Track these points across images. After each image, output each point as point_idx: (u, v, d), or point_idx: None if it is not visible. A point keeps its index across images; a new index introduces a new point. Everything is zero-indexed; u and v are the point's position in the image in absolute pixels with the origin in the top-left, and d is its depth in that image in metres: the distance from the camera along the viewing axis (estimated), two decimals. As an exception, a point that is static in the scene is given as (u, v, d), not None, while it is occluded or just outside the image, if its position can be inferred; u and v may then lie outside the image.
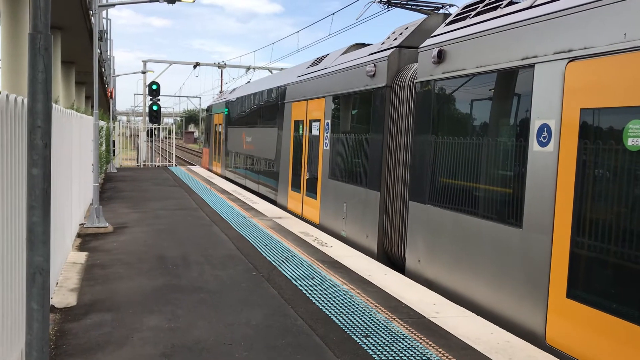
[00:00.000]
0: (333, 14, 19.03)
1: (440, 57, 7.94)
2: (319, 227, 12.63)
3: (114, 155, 27.72)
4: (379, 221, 9.95)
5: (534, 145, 6.04)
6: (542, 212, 5.88)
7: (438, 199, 7.93)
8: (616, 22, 5.12)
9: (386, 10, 12.36)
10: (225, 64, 40.27)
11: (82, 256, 8.97)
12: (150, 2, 13.56)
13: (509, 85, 6.60)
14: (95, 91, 12.16)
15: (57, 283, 7.27)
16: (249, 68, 39.41)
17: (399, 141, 9.47)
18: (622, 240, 4.93)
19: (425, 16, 10.45)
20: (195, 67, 39.84)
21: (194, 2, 14.24)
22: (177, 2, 13.77)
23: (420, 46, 8.66)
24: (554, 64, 5.82)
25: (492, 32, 6.93)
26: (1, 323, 3.86)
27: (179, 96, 75.67)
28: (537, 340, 5.90)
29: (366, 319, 6.31)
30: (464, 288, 7.26)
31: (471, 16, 7.77)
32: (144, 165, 31.91)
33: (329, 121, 12.19)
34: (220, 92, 34.12)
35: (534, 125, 6.04)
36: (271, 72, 37.49)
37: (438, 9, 11.60)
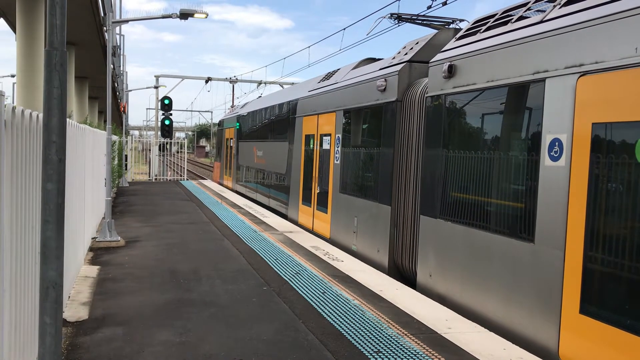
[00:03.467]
0: (344, 29, 19.12)
1: (451, 71, 7.97)
2: (330, 241, 12.63)
3: (126, 169, 27.90)
4: (390, 235, 9.93)
5: (545, 160, 6.03)
6: (554, 227, 5.85)
7: (449, 213, 7.93)
8: (627, 36, 5.13)
9: (396, 25, 12.46)
10: (236, 78, 40.52)
11: (94, 270, 9.00)
12: (163, 18, 13.72)
13: (520, 99, 6.60)
14: (108, 106, 12.28)
15: (69, 297, 7.30)
16: (260, 83, 39.63)
17: (409, 155, 9.50)
18: (636, 255, 4.90)
19: (435, 31, 10.48)
20: (207, 82, 40.13)
21: (206, 17, 14.37)
22: (189, 18, 13.91)
23: (431, 61, 8.70)
24: (565, 78, 5.82)
25: (503, 46, 6.94)
26: (14, 336, 3.88)
27: (191, 111, 76.05)
28: (549, 356, 5.85)
29: (377, 335, 6.27)
30: (476, 303, 7.23)
31: (482, 31, 7.82)
32: (156, 179, 32.08)
33: (340, 135, 12.23)
34: (232, 107, 34.33)
35: (546, 140, 6.04)
36: (282, 86, 37.68)
37: (449, 24, 11.66)
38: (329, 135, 12.87)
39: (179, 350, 5.66)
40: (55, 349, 3.47)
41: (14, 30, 18.14)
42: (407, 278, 9.62)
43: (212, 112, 75.97)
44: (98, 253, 10.40)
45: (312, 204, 13.96)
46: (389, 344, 5.98)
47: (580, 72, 5.62)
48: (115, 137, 20.85)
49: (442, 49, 8.66)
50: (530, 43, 6.43)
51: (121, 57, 33.24)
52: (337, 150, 12.32)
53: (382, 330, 6.43)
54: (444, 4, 12.97)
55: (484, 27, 7.83)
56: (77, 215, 7.95)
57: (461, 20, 11.50)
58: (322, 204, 13.21)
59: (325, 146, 13.09)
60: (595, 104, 5.42)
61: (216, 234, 12.79)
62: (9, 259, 3.70)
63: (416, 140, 9.26)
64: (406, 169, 9.58)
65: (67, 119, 4.17)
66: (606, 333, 5.13)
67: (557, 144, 5.89)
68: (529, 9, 7.11)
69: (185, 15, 13.59)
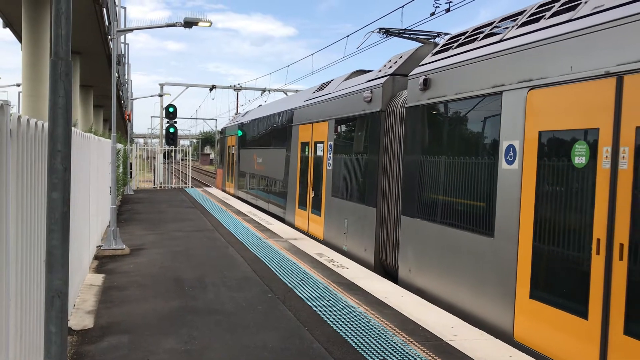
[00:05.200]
0: (347, 36, 19.16)
1: (426, 84, 8.72)
2: (323, 242, 13.28)
3: (131, 177, 27.96)
4: (376, 235, 10.71)
5: (502, 164, 6.83)
6: (509, 223, 6.65)
7: (425, 213, 8.70)
8: (565, 55, 5.95)
9: (385, 39, 13.04)
10: (241, 86, 40.63)
11: (99, 278, 9.01)
12: (167, 26, 13.78)
13: (482, 110, 7.38)
14: (113, 114, 12.34)
15: (74, 305, 7.30)
16: (264, 90, 39.71)
17: (392, 161, 10.28)
18: (573, 246, 5.67)
19: (420, 45, 11.07)
20: (211, 89, 40.24)
21: (210, 25, 14.43)
22: (193, 27, 13.97)
23: (410, 74, 9.40)
24: (518, 91, 6.61)
25: (468, 62, 7.76)
26: (20, 344, 3.88)
27: (196, 118, 76.16)
28: (506, 337, 6.56)
29: (383, 342, 6.25)
30: (449, 294, 7.94)
31: (453, 47, 8.54)
32: (161, 187, 32.14)
33: (332, 143, 13.06)
34: (236, 114, 34.48)
35: (503, 146, 6.84)
36: (286, 94, 37.76)
37: (434, 37, 12.08)
38: (322, 142, 13.70)
39: (183, 358, 5.65)
40: (61, 358, 3.46)
41: (20, 40, 18.25)
42: (391, 274, 10.23)
43: (216, 119, 76.04)
44: (103, 261, 10.41)
45: (308, 207, 14.69)
46: (395, 352, 5.96)
47: (529, 87, 6.42)
48: (120, 145, 20.91)
49: (420, 64, 9.39)
50: (490, 60, 7.23)
51: (126, 65, 33.38)
52: (330, 156, 13.15)
53: (387, 337, 6.41)
54: (447, 10, 13.00)
55: (455, 44, 8.55)
56: (82, 223, 7.97)
57: (446, 34, 11.77)
58: (317, 208, 13.96)
59: (319, 153, 13.90)
60: (541, 114, 6.22)
61: (221, 241, 12.79)
62: (14, 267, 3.71)
63: (398, 147, 10.04)
64: (390, 174, 10.35)
65: (72, 128, 4.19)
66: (550, 315, 5.90)
67: (511, 149, 6.69)
68: (496, 26, 7.81)
69: (189, 23, 13.65)
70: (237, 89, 40.72)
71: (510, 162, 6.66)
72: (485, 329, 6.90)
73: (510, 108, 6.71)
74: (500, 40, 7.22)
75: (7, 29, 20.14)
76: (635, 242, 4.98)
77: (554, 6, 6.61)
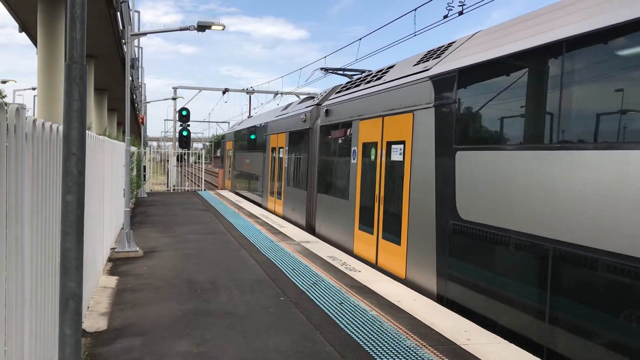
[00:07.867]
0: (360, 39, 19.22)
1: (327, 113, 14.16)
2: (283, 218, 18.76)
3: (144, 180, 28.12)
4: (306, 208, 16.29)
5: (352, 160, 12.18)
6: (353, 192, 12.01)
7: (325, 190, 14.12)
8: (369, 104, 11.30)
9: (325, 76, 19.00)
10: (253, 89, 40.70)
11: (112, 280, 9.06)
12: (180, 30, 13.85)
13: (347, 130, 12.63)
14: (127, 117, 12.41)
15: (88, 307, 7.34)
16: (276, 93, 39.74)
17: (315, 160, 15.64)
18: (370, 200, 11.03)
19: (343, 81, 17.37)
20: (224, 93, 40.36)
21: (223, 29, 14.48)
22: (206, 30, 14.02)
23: (321, 105, 15.09)
24: (357, 121, 11.90)
25: (343, 102, 13.07)
26: (35, 346, 3.91)
27: (208, 121, 76.43)
28: (350, 252, 12.08)
29: (396, 346, 6.22)
30: (334, 236, 13.24)
31: (343, 90, 13.83)
32: (174, 189, 32.28)
33: (287, 148, 18.81)
34: (249, 117, 34.71)
35: (352, 149, 12.15)
36: (298, 97, 37.77)
37: (362, 72, 16.83)
38: (282, 148, 19.42)
39: (196, 361, 5.65)
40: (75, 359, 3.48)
41: (35, 44, 18.44)
42: (313, 230, 15.21)
43: (229, 122, 75.82)
44: (117, 263, 10.47)
45: (274, 194, 20.51)
46: (408, 356, 5.93)
47: (360, 119, 11.73)
48: (133, 148, 21.03)
49: (328, 98, 15.09)
50: (349, 102, 12.54)
51: (139, 69, 33.58)
52: (286, 158, 18.81)
53: (400, 341, 6.38)
54: (460, 13, 12.96)
55: (344, 89, 13.81)
56: (96, 226, 8.02)
57: (369, 71, 15.20)
58: (279, 194, 19.75)
59: (281, 155, 19.61)
60: (363, 133, 11.50)
61: (233, 244, 12.82)
62: (29, 270, 3.74)
63: (317, 151, 15.17)
64: (314, 168, 15.67)
65: (87, 131, 4.21)
66: (363, 236, 11.36)
67: (355, 151, 11.99)
68: (361, 80, 12.86)
69: (202, 27, 13.71)
70: (249, 92, 40.79)
71: (354, 159, 12.05)
72: (346, 252, 12.26)
73: (355, 129, 12.03)
74: (357, 91, 12.43)
75: (23, 33, 20.35)
76: (384, 195, 10.34)
77: (378, 74, 11.87)
